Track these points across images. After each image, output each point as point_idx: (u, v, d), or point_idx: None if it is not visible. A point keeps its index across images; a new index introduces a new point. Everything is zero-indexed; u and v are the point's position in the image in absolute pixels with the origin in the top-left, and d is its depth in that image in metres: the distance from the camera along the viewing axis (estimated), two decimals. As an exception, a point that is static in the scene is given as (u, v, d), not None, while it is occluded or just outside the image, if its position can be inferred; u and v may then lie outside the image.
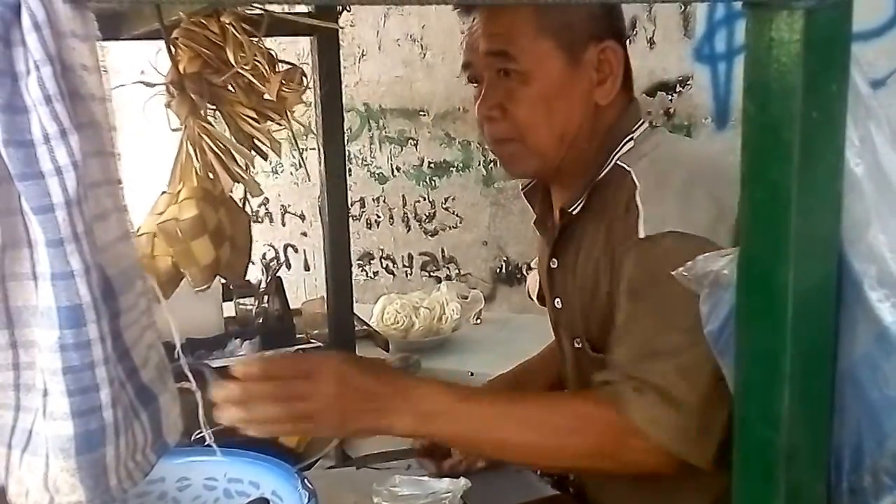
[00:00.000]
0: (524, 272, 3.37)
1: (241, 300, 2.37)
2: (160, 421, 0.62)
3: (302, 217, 3.84)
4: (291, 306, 2.37)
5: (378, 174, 3.65)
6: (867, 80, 0.64)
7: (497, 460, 1.50)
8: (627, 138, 1.35)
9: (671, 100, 3.05)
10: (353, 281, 2.09)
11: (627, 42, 1.42)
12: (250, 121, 1.08)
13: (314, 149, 1.92)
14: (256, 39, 1.03)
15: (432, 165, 3.56)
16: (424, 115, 3.53)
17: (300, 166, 3.60)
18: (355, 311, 2.14)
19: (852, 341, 0.65)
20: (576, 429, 1.20)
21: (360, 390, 1.16)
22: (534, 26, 1.30)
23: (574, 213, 1.36)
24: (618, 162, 1.33)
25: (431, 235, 3.62)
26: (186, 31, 1.04)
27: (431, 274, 3.65)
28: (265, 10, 1.08)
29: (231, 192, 1.12)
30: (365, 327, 2.42)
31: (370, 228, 3.71)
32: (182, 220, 1.11)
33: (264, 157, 1.14)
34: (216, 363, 2.01)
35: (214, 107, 1.05)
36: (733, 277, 0.69)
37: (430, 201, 3.60)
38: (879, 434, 0.65)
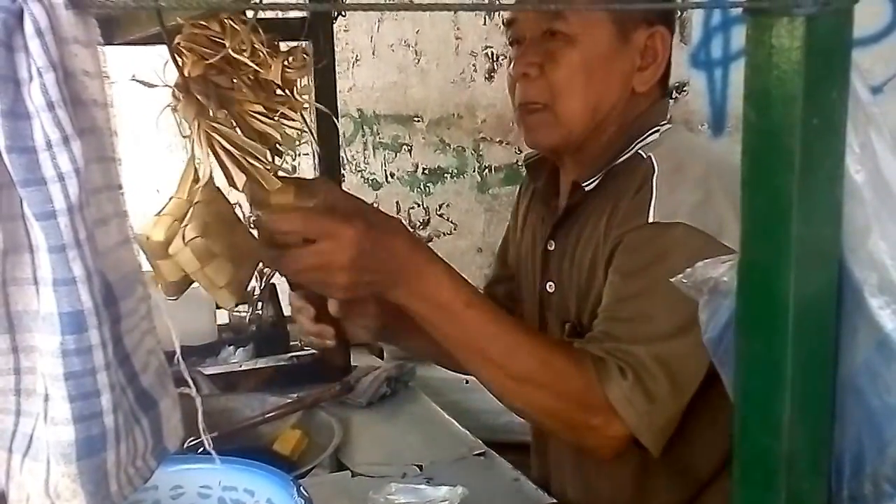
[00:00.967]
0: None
1: (235, 307, 2.37)
2: (161, 426, 0.62)
3: (296, 223, 3.83)
4: (285, 313, 2.36)
5: (372, 180, 3.65)
6: (867, 86, 0.64)
7: (463, 370, 1.35)
8: (653, 130, 1.34)
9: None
10: (348, 287, 2.07)
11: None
12: (260, 118, 1.07)
13: (308, 154, 1.92)
14: (252, 17, 1.02)
15: (426, 172, 3.56)
16: (419, 121, 3.53)
17: (294, 172, 3.60)
18: (350, 318, 2.13)
19: (853, 348, 0.65)
20: (561, 372, 1.18)
21: (373, 262, 1.11)
22: None
23: (588, 188, 1.34)
24: (639, 150, 1.32)
25: (426, 242, 3.63)
26: (188, 35, 1.04)
27: (426, 280, 3.64)
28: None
29: (241, 190, 1.10)
30: (359, 334, 2.40)
31: (364, 234, 3.70)
32: (152, 241, 1.09)
33: (279, 153, 1.14)
34: (209, 370, 2.00)
35: (223, 110, 1.05)
36: (733, 284, 0.69)
37: (424, 208, 3.60)
38: (880, 441, 0.65)
